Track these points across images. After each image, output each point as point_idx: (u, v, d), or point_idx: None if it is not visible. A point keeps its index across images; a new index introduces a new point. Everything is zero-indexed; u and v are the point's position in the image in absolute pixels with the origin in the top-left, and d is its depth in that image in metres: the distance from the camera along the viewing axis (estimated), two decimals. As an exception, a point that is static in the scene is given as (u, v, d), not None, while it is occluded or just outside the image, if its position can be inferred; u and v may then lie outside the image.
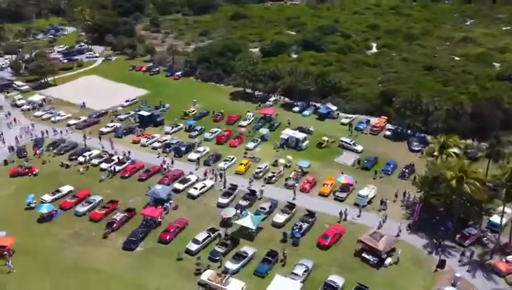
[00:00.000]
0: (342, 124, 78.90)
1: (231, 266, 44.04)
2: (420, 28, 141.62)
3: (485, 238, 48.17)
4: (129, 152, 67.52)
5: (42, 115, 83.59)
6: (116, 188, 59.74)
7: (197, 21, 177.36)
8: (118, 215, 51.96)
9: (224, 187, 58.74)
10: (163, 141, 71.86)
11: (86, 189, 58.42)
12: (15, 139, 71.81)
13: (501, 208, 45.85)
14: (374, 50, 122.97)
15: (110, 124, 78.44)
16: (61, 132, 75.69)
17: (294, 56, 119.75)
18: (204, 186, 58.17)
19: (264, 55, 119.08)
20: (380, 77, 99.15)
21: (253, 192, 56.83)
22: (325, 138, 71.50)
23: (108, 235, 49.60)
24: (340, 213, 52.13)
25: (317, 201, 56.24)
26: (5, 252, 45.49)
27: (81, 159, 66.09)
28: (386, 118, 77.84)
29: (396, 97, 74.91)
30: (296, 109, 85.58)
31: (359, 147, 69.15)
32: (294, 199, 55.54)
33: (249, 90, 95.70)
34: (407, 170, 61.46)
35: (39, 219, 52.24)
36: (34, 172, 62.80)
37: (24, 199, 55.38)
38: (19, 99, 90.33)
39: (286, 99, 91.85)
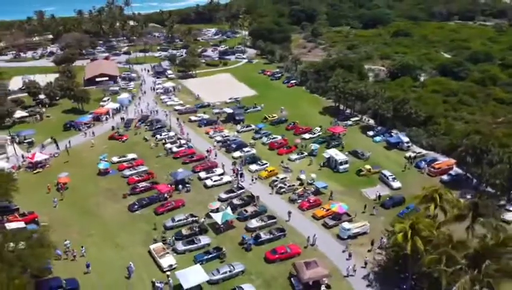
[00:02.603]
0: (405, 157, 72.51)
1: (179, 246, 50.51)
2: None
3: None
4: (190, 140, 79.40)
5: (164, 98, 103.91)
6: (163, 164, 72.26)
7: (358, 34, 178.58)
8: (142, 185, 64.16)
9: (237, 185, 64.21)
10: (225, 136, 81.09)
11: (142, 159, 72.90)
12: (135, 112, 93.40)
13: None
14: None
15: (199, 115, 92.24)
16: (166, 114, 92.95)
17: (422, 80, 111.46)
18: (219, 180, 65.04)
19: (390, 75, 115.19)
20: (503, 117, 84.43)
21: (252, 196, 60.68)
22: (368, 167, 68.08)
23: (127, 196, 62.22)
24: (308, 238, 51.56)
25: (305, 221, 56.31)
26: (61, 187, 63.28)
27: (158, 136, 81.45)
28: (455, 161, 67.80)
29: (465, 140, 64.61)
30: (371, 133, 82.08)
31: (396, 184, 63.61)
32: (289, 213, 56.87)
33: (342, 107, 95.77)
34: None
35: (98, 173, 68.92)
36: (123, 139, 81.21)
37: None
38: (158, 84, 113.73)
39: (371, 121, 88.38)
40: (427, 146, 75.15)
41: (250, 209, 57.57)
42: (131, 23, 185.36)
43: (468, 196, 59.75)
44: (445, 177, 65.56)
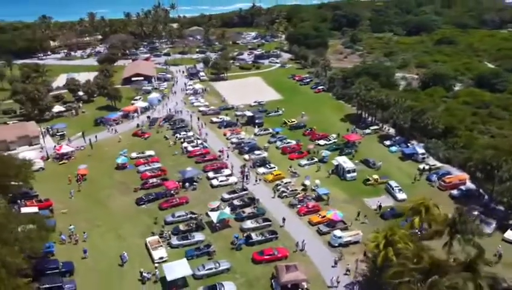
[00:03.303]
0: (418, 169, 70.69)
1: (174, 241, 53.03)
2: None
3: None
4: (206, 140, 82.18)
5: (191, 99, 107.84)
6: (177, 162, 75.46)
7: (399, 41, 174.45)
8: (153, 180, 67.60)
9: (242, 187, 65.87)
10: (241, 138, 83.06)
11: (158, 157, 76.58)
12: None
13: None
14: None
15: (221, 117, 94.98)
16: (190, 114, 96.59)
17: (456, 89, 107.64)
18: (225, 181, 67.06)
19: (422, 84, 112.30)
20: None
21: (253, 198, 62.10)
22: (375, 176, 67.20)
23: (137, 190, 65.86)
24: (297, 244, 52.16)
25: (300, 226, 56.85)
26: (80, 178, 68.18)
27: (178, 136, 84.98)
28: (468, 176, 65.21)
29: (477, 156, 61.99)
30: (387, 142, 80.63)
31: (401, 195, 62.35)
32: (283, 219, 57.68)
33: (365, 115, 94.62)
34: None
35: (116, 167, 73.31)
36: (145, 137, 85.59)
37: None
38: (188, 85, 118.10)
39: (391, 130, 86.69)
40: (444, 159, 72.62)
41: (247, 210, 59.00)
42: (175, 26, 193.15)
43: (475, 213, 57.59)
44: (455, 192, 63.25)
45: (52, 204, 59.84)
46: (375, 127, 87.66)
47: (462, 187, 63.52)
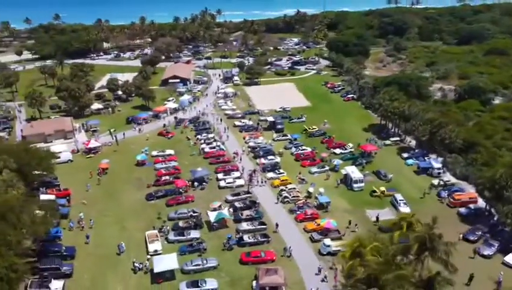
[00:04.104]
0: (431, 184, 68.64)
1: (171, 236, 56.07)
2: None
3: None
4: (223, 143, 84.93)
5: (220, 102, 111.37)
6: (193, 162, 78.80)
7: (446, 51, 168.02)
8: (165, 178, 71.33)
9: (248, 189, 67.73)
10: (258, 143, 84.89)
11: (176, 156, 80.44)
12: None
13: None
14: None
15: (244, 121, 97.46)
16: (218, 118, 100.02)
17: (494, 103, 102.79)
18: (232, 183, 69.27)
19: (458, 96, 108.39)
20: None
21: (254, 202, 63.77)
22: (382, 188, 66.27)
23: (150, 186, 69.88)
24: (285, 249, 53.10)
25: (295, 232, 57.63)
26: (101, 172, 73.56)
27: (199, 137, 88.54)
28: (476, 194, 62.46)
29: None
30: (405, 155, 78.84)
31: (405, 209, 60.64)
32: (277, 224, 58.80)
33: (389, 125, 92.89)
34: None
35: (136, 163, 78.06)
36: (169, 136, 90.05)
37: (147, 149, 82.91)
38: (221, 88, 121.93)
39: (412, 143, 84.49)
40: (461, 176, 69.85)
41: (246, 213, 60.73)
42: (219, 30, 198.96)
43: (479, 232, 55.27)
44: (462, 209, 60.87)
45: (70, 194, 65.27)
46: (396, 138, 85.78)
47: (471, 205, 60.94)
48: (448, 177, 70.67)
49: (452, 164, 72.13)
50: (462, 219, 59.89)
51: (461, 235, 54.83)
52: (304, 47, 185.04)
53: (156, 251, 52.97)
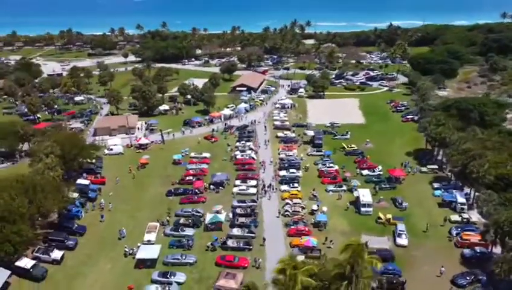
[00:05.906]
0: (446, 219, 63.56)
1: (167, 231, 62.10)
2: None
3: None
4: (256, 152, 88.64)
5: (274, 113, 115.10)
6: (222, 166, 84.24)
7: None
8: (189, 178, 77.91)
9: (257, 198, 70.70)
10: (288, 155, 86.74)
11: (210, 159, 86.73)
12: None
13: None
14: None
15: (286, 132, 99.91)
16: (264, 126, 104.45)
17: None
18: (244, 190, 72.83)
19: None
20: None
21: (254, 210, 66.54)
22: (389, 216, 63.56)
23: (174, 184, 77.12)
24: (255, 259, 55.07)
25: (280, 246, 58.94)
26: (140, 166, 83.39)
27: (238, 144, 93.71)
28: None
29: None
30: (436, 185, 73.61)
31: (401, 241, 58.02)
32: (264, 239, 60.52)
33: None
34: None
35: (173, 162, 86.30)
36: (212, 141, 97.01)
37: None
38: (280, 99, 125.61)
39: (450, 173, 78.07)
40: (486, 215, 63.04)
41: (241, 219, 63.90)
42: (308, 42, 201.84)
43: (470, 277, 50.37)
44: (467, 251, 55.47)
45: (105, 181, 75.80)
46: (434, 166, 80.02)
47: (477, 248, 55.33)
48: (474, 214, 64.50)
49: (483, 201, 65.36)
50: (463, 261, 54.85)
51: (450, 278, 50.74)
52: (388, 61, 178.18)
53: (149, 240, 59.46)
